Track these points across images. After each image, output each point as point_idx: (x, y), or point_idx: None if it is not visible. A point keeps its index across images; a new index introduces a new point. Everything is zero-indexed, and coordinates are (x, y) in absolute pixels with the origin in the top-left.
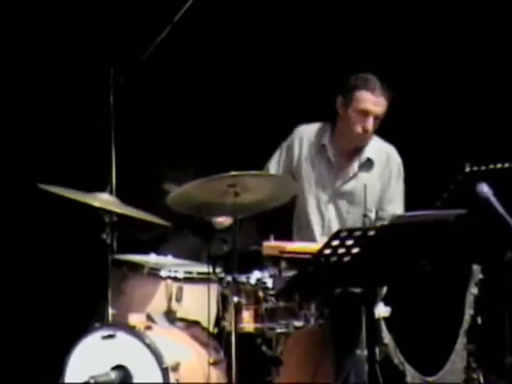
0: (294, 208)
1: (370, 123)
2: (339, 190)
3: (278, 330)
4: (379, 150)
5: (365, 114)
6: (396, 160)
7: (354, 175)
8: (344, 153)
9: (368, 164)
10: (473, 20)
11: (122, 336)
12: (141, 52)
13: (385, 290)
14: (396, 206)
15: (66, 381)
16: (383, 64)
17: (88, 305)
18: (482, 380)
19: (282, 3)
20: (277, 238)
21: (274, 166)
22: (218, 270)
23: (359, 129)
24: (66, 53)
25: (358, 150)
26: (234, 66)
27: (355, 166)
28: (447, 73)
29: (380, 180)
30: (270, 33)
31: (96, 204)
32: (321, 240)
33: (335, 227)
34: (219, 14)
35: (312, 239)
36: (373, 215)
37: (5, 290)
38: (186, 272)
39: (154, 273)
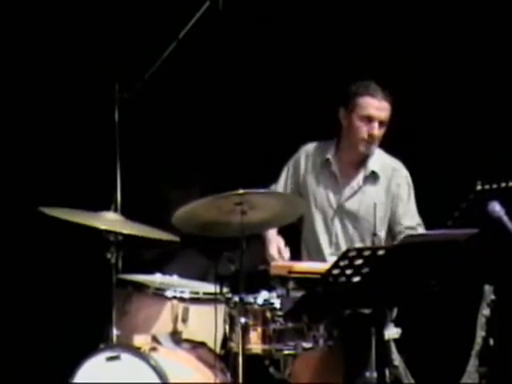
0: (302, 226)
1: (376, 128)
2: (344, 204)
3: (286, 352)
4: (384, 163)
5: (369, 119)
6: (403, 173)
7: (359, 188)
8: (348, 166)
9: (373, 177)
10: (483, 31)
11: (126, 357)
12: (146, 68)
13: (395, 311)
14: (412, 219)
15: None
16: (392, 79)
17: (92, 325)
18: None
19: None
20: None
21: (281, 184)
22: (224, 290)
23: (365, 135)
24: (71, 69)
25: (362, 163)
26: (238, 82)
27: (360, 179)
28: (458, 89)
29: (387, 194)
30: (272, 48)
31: (101, 226)
32: (330, 259)
33: (342, 243)
34: (224, 30)
35: (321, 256)
36: (382, 234)
37: (9, 311)
38: (192, 292)
39: (159, 293)
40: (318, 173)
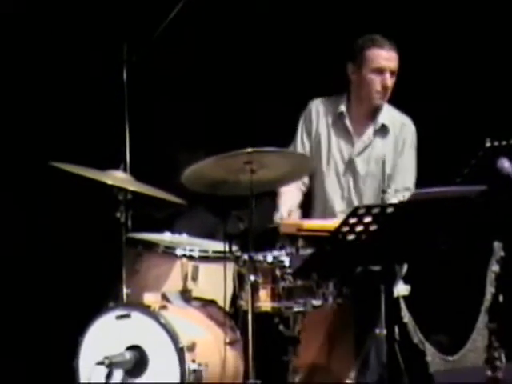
0: (313, 183)
1: (388, 79)
2: (356, 160)
3: (296, 309)
4: (394, 117)
5: (380, 71)
6: (411, 129)
7: (370, 143)
8: (359, 121)
9: (383, 130)
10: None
11: (136, 316)
12: (153, 29)
13: (405, 268)
14: (407, 177)
15: (81, 361)
16: (399, 32)
17: (102, 284)
18: (503, 359)
19: None
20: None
21: (298, 145)
22: (234, 248)
23: (378, 87)
24: (80, 30)
25: (372, 117)
26: (246, 40)
27: (370, 133)
28: (469, 45)
29: (395, 149)
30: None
31: (109, 182)
32: (340, 215)
33: (354, 198)
34: None
35: (332, 211)
36: (391, 190)
37: (17, 270)
38: (201, 251)
39: (169, 251)
40: (330, 127)
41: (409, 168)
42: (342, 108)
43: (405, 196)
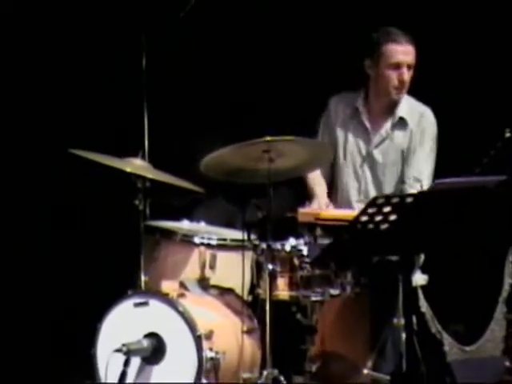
0: (331, 175)
1: (405, 74)
2: (373, 151)
3: (313, 298)
4: (412, 109)
5: (397, 66)
6: (430, 119)
7: (387, 135)
8: (377, 115)
9: (401, 123)
10: None
11: (154, 303)
12: (172, 18)
13: (422, 258)
14: (422, 169)
15: (98, 348)
16: (418, 24)
17: (121, 272)
18: None
19: None
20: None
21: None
22: (252, 236)
23: (396, 82)
24: (98, 20)
25: (391, 110)
26: (266, 32)
27: (388, 126)
28: (487, 37)
29: (412, 139)
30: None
31: (128, 169)
32: (357, 206)
33: (371, 190)
34: None
35: (348, 204)
36: (410, 181)
37: (39, 257)
38: (219, 239)
39: (187, 239)
40: (347, 123)
41: (425, 160)
42: (358, 104)
43: (415, 187)
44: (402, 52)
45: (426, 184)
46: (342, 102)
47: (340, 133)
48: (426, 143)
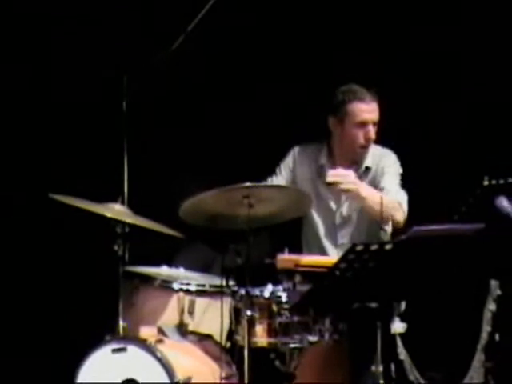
0: (303, 227)
1: (371, 131)
2: (345, 206)
3: (292, 345)
4: (373, 154)
5: (363, 124)
6: (391, 157)
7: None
8: (344, 168)
9: (366, 172)
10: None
11: (132, 350)
12: (154, 61)
13: (401, 305)
14: (390, 180)
15: None
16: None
17: (99, 317)
18: None
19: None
20: (291, 251)
21: (280, 179)
22: (231, 282)
23: (362, 141)
24: (79, 61)
25: (356, 162)
26: (245, 73)
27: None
28: (464, 84)
29: (375, 179)
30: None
31: (107, 214)
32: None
33: (347, 244)
34: (232, 23)
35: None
36: (389, 228)
37: (14, 301)
38: (198, 285)
39: (166, 285)
40: (314, 180)
41: (390, 179)
42: (322, 161)
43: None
44: (368, 110)
45: (395, 195)
46: (306, 158)
47: (308, 189)
48: (389, 173)
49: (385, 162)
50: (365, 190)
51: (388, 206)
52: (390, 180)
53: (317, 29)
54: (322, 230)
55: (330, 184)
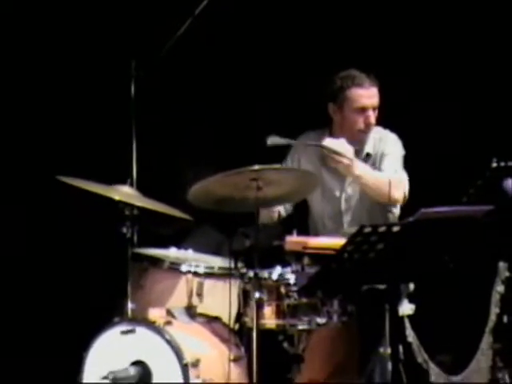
0: (309, 210)
1: (371, 116)
2: (349, 191)
3: (300, 327)
4: (375, 139)
5: (363, 110)
6: (389, 137)
7: None
8: None
9: (367, 158)
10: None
11: (141, 331)
12: (162, 45)
13: (409, 287)
14: (389, 162)
15: (85, 376)
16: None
17: (107, 299)
18: (507, 380)
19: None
20: (300, 233)
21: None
22: (239, 265)
23: (362, 126)
24: (88, 46)
25: (357, 150)
26: (254, 58)
27: None
28: (473, 67)
29: (375, 162)
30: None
31: (116, 197)
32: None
33: (352, 223)
34: (239, 7)
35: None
36: (397, 210)
37: (23, 284)
38: (206, 267)
39: (174, 267)
40: (318, 166)
41: (388, 167)
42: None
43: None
44: (367, 96)
45: (393, 175)
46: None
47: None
48: (388, 151)
49: (384, 145)
50: (358, 168)
51: (383, 184)
52: (389, 162)
53: (320, 18)
54: (327, 217)
55: (324, 148)
